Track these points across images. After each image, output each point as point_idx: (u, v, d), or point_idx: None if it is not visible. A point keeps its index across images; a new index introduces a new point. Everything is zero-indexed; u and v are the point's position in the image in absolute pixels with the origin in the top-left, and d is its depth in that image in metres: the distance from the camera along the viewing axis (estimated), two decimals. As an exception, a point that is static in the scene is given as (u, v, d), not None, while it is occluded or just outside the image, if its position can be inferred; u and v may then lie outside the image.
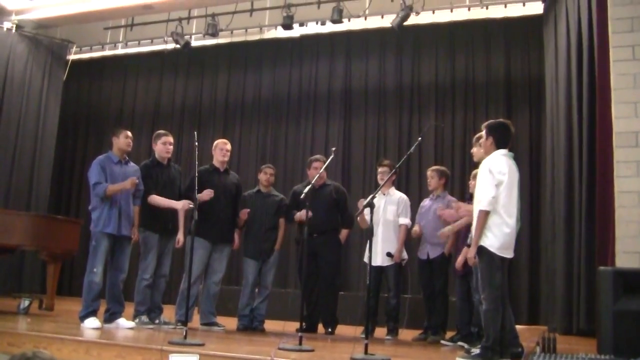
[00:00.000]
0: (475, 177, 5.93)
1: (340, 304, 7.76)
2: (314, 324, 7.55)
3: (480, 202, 4.95)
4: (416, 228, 7.37)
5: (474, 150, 6.03)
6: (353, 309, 8.31)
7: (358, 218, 7.29)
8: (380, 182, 7.32)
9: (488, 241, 4.89)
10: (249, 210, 7.45)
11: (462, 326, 6.76)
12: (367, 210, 5.36)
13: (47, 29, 12.54)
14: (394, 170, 6.71)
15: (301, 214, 7.19)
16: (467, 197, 6.92)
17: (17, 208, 11.01)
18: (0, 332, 5.58)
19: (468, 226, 5.96)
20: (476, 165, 5.61)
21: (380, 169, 7.67)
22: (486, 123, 5.46)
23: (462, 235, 6.69)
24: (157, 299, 7.09)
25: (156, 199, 6.96)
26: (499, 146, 5.15)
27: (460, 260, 6.35)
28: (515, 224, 4.99)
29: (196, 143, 6.16)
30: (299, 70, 12.45)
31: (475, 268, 5.30)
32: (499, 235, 4.89)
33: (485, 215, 4.91)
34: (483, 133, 5.36)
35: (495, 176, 4.93)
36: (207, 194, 6.94)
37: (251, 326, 7.38)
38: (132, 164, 6.94)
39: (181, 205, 6.91)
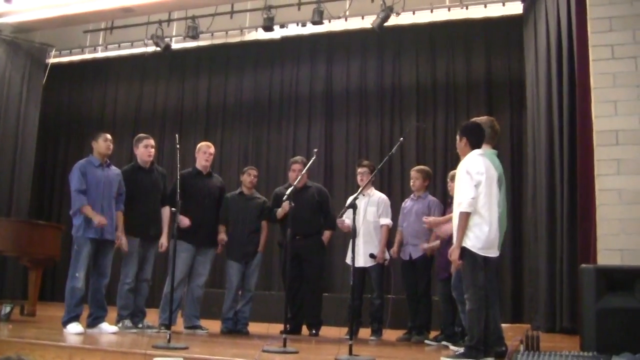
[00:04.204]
0: (453, 179, 5.96)
1: (324, 306, 7.76)
2: (298, 326, 7.53)
3: (461, 204, 4.97)
4: (394, 249, 7.41)
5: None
6: (337, 311, 8.31)
7: (338, 223, 7.31)
8: (360, 183, 7.33)
9: (470, 242, 4.91)
10: (226, 240, 7.44)
11: (445, 326, 6.78)
12: (349, 212, 5.35)
13: (26, 33, 12.44)
14: (374, 172, 6.71)
15: (283, 207, 7.17)
16: (448, 201, 6.93)
17: (-3, 214, 10.94)
18: (-18, 339, 5.53)
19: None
20: (454, 167, 5.63)
21: (359, 170, 7.64)
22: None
23: (444, 238, 6.72)
24: (140, 303, 7.06)
25: (118, 217, 6.88)
26: (473, 146, 5.17)
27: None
28: (498, 223, 5.01)
29: (178, 146, 6.14)
30: (280, 72, 12.45)
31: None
32: (480, 235, 4.90)
33: (466, 216, 4.92)
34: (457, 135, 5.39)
35: (474, 177, 4.95)
36: (184, 223, 6.90)
37: (235, 329, 7.35)
38: (113, 167, 6.89)
39: (123, 243, 6.80)
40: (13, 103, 12.20)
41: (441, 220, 6.74)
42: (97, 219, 6.40)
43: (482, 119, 5.65)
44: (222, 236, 7.42)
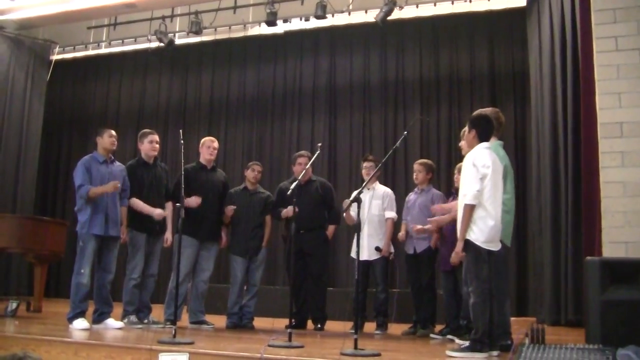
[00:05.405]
0: (460, 171, 5.94)
1: (329, 300, 7.76)
2: (303, 321, 7.54)
3: (465, 196, 4.96)
4: (401, 233, 7.37)
5: (462, 144, 6.01)
6: (342, 305, 8.31)
7: (344, 215, 7.29)
8: (366, 178, 7.32)
9: (474, 235, 4.90)
10: (234, 207, 7.43)
11: (450, 319, 6.78)
12: (353, 206, 5.34)
13: (29, 30, 12.47)
14: (379, 166, 6.72)
15: (288, 211, 7.19)
16: (453, 191, 6.92)
17: (2, 210, 10.95)
18: (-12, 335, 5.55)
19: (454, 221, 5.95)
20: (462, 159, 5.62)
21: (365, 164, 7.66)
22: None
23: (448, 230, 6.70)
24: (145, 298, 7.07)
25: (136, 203, 6.93)
26: (482, 139, 5.15)
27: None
28: (502, 217, 5.00)
29: (182, 141, 6.13)
30: (283, 67, 12.44)
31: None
32: (483, 229, 4.89)
33: (470, 209, 4.91)
34: (466, 127, 5.37)
35: (480, 170, 4.94)
36: (194, 201, 6.93)
37: (240, 324, 7.37)
38: (118, 163, 6.90)
39: (156, 213, 6.90)
40: (17, 99, 12.22)
41: (446, 219, 6.67)
42: (109, 187, 6.43)
43: (487, 110, 5.63)
44: (225, 239, 7.47)
